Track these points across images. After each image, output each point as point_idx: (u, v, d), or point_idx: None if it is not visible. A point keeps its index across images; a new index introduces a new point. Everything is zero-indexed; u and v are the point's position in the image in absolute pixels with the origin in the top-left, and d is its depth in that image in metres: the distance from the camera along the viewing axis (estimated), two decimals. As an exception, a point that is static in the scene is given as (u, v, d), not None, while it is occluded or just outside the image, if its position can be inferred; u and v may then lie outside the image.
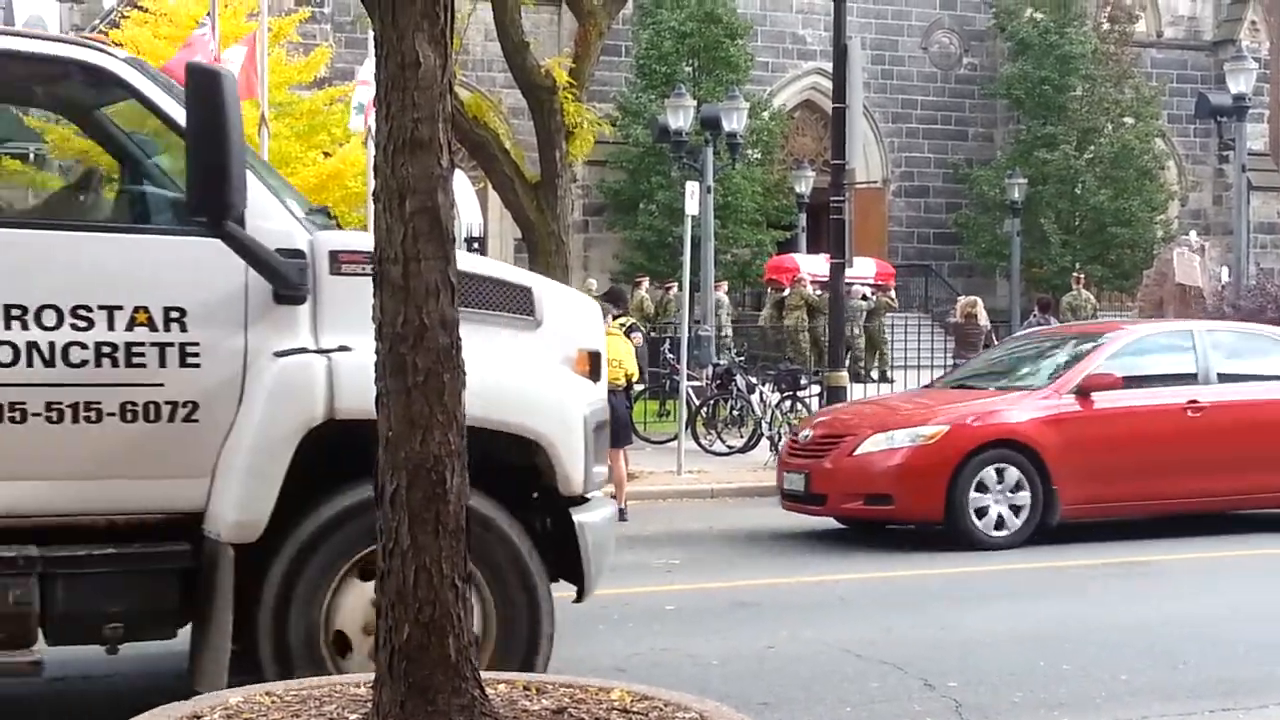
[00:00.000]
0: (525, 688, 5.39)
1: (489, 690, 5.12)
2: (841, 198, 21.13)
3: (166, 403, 6.26)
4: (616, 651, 8.67)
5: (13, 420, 6.11)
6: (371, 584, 5.84)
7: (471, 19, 23.24)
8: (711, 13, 36.32)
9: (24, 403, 6.11)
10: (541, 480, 6.82)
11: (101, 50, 6.67)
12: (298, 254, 6.41)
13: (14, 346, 6.10)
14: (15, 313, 6.11)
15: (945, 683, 7.98)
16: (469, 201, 26.60)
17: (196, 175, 6.06)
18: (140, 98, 6.52)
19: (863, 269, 31.43)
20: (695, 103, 30.15)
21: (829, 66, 25.03)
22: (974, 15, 42.55)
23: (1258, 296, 26.91)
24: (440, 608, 4.94)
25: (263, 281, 6.34)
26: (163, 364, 6.25)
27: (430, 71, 4.97)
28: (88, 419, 6.17)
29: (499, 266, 7.37)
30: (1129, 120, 40.30)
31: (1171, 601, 10.57)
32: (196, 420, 6.30)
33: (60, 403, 6.14)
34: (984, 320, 26.66)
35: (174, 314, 6.27)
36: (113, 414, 6.20)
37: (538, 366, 6.90)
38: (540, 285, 7.16)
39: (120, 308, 6.21)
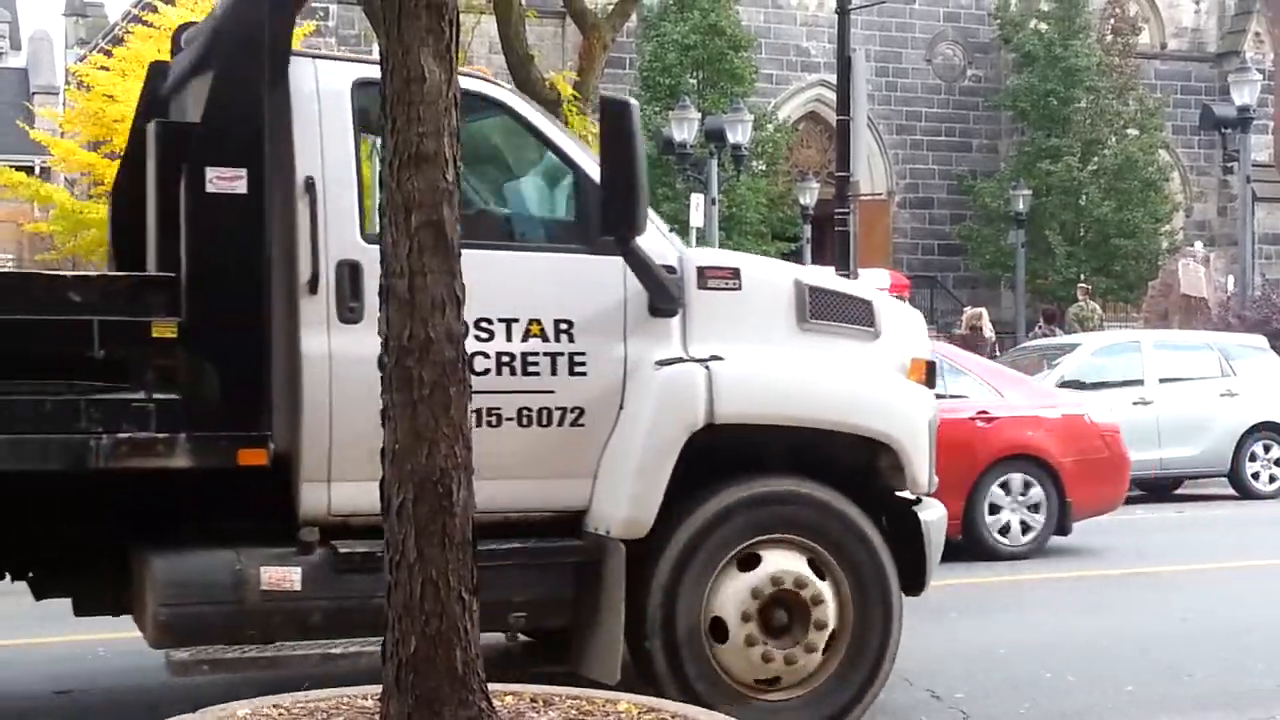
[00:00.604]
0: (532, 700, 5.41)
1: (496, 702, 5.13)
2: (846, 210, 21.21)
3: (557, 408, 6.70)
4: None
5: None
6: (749, 574, 6.78)
7: (476, 31, 23.29)
8: (716, 25, 36.34)
9: None
10: (877, 481, 7.24)
11: (486, 80, 7.28)
12: (671, 270, 6.87)
13: None
14: None
15: (952, 694, 7.99)
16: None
17: (610, 197, 6.54)
18: (525, 124, 7.07)
19: (877, 280, 31.43)
20: (699, 115, 30.21)
21: (833, 78, 25.11)
22: (978, 28, 42.61)
23: (1263, 307, 26.95)
24: (447, 620, 4.96)
25: (640, 295, 6.79)
26: (554, 372, 6.70)
27: (435, 86, 5.00)
28: (490, 424, 6.53)
29: (842, 282, 7.87)
30: (1133, 132, 40.32)
31: (1179, 612, 10.57)
32: (583, 425, 6.74)
33: None
34: (989, 332, 26.65)
35: (563, 326, 6.72)
36: (511, 419, 6.63)
37: (883, 374, 7.32)
38: (878, 299, 7.57)
39: (517, 320, 6.66)
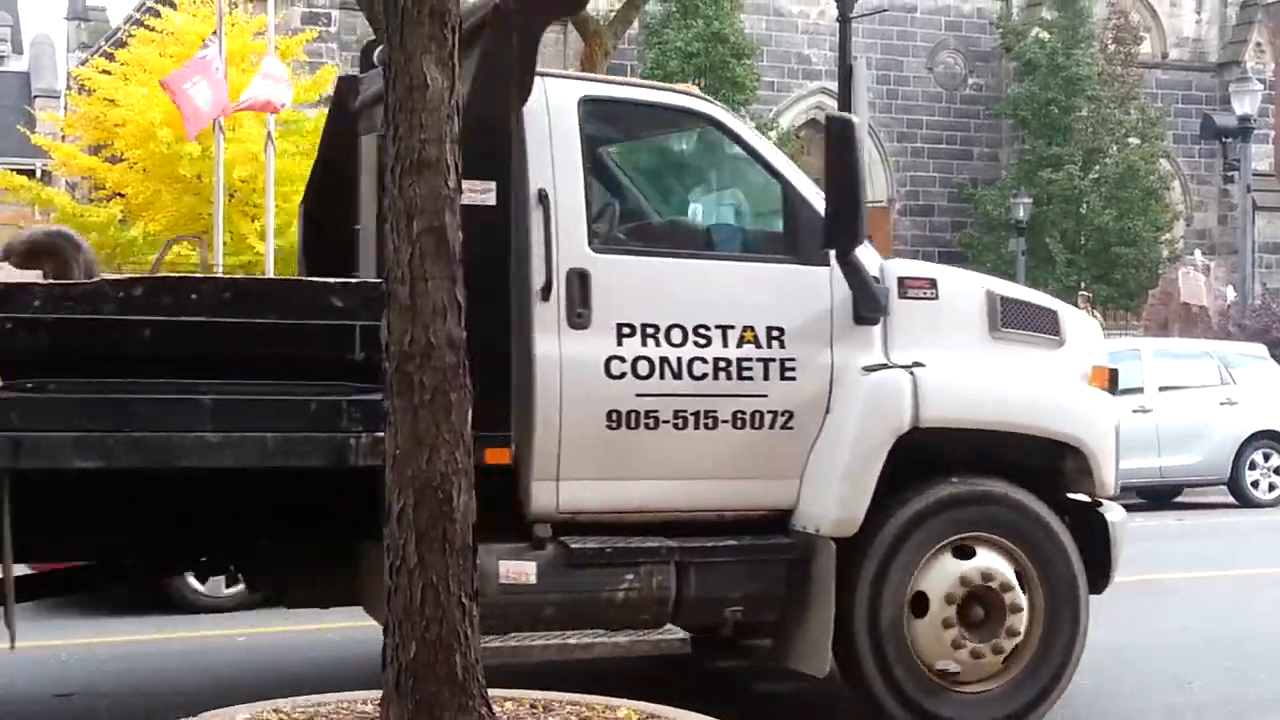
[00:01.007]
0: (532, 705, 5.42)
1: (496, 708, 5.14)
2: (847, 217, 21.20)
3: (769, 412, 7.01)
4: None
5: (647, 426, 6.83)
6: (964, 562, 7.08)
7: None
8: (718, 33, 36.33)
9: (657, 411, 6.85)
10: (1060, 483, 7.54)
11: (700, 97, 7.61)
12: (875, 280, 7.17)
13: (649, 361, 6.83)
14: (649, 331, 6.86)
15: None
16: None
17: (833, 210, 6.90)
18: (735, 138, 7.41)
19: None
20: (701, 122, 30.18)
21: (834, 86, 25.13)
22: (979, 36, 42.64)
23: (1263, 316, 26.97)
24: (447, 625, 4.97)
25: (845, 303, 7.12)
26: (766, 377, 7.00)
27: (438, 93, 5.02)
28: (707, 426, 6.91)
29: (1030, 292, 8.16)
30: (1134, 141, 40.32)
31: (1180, 621, 10.57)
32: (791, 428, 7.05)
33: (685, 411, 6.89)
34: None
35: (775, 333, 7.04)
36: (726, 421, 6.95)
37: (1070, 380, 7.66)
38: (1062, 309, 7.91)
39: (732, 327, 6.98)
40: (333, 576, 7.21)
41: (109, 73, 27.20)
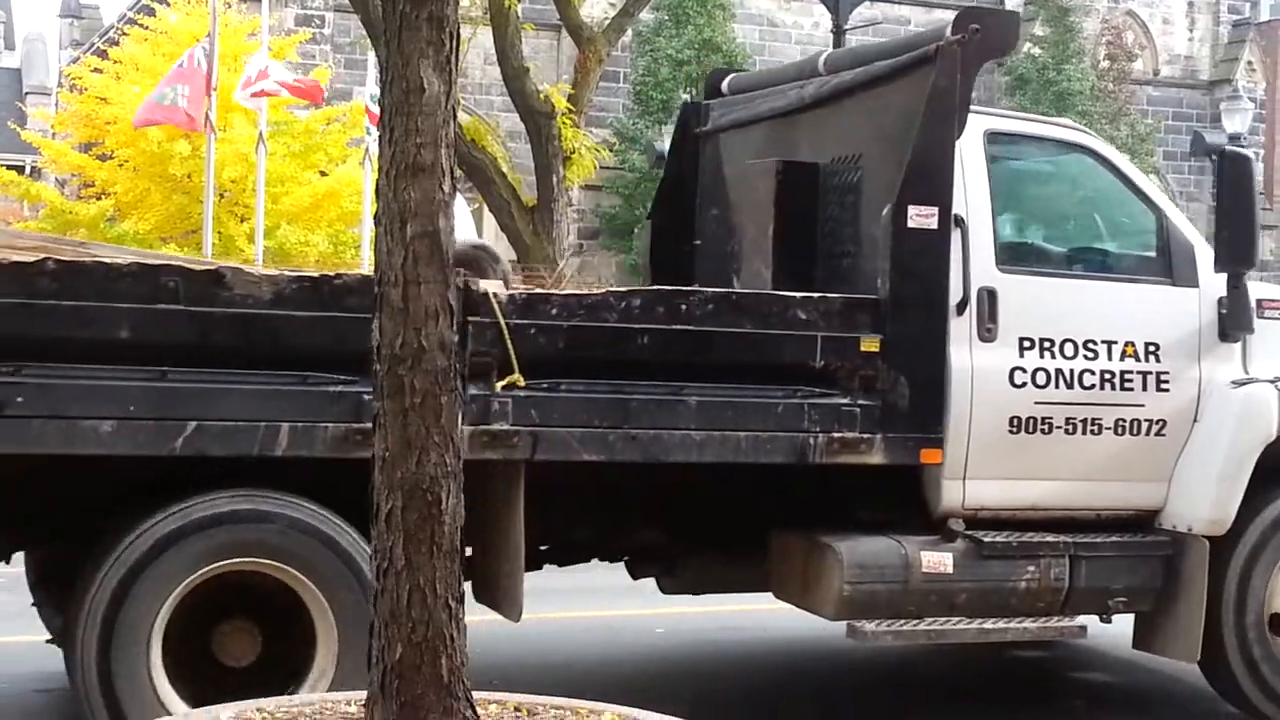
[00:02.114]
0: (516, 708, 5.43)
1: (481, 711, 5.15)
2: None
3: (1145, 420, 7.84)
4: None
5: (1042, 431, 7.60)
6: None
7: (472, 43, 23.31)
8: (710, 40, 36.37)
9: (1051, 417, 7.64)
10: None
11: (1082, 130, 8.55)
12: None
13: (1046, 372, 7.62)
14: (1047, 345, 7.64)
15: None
16: (465, 222, 26.57)
17: (1229, 237, 7.76)
18: (1111, 167, 8.27)
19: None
20: (692, 130, 30.18)
21: (826, 97, 25.07)
22: (971, 49, 42.68)
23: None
24: (433, 627, 4.97)
25: (1211, 322, 7.97)
26: (1144, 388, 7.83)
27: (434, 98, 5.02)
28: (1093, 432, 7.73)
29: None
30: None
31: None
32: (1164, 435, 7.87)
33: (1075, 418, 7.69)
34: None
35: (1151, 348, 7.86)
36: (1109, 428, 7.76)
37: None
38: None
39: (1115, 342, 7.79)
40: (745, 564, 7.92)
41: (100, 70, 27.18)
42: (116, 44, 28.64)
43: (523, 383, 6.67)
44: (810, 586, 7.49)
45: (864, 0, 23.78)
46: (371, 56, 21.95)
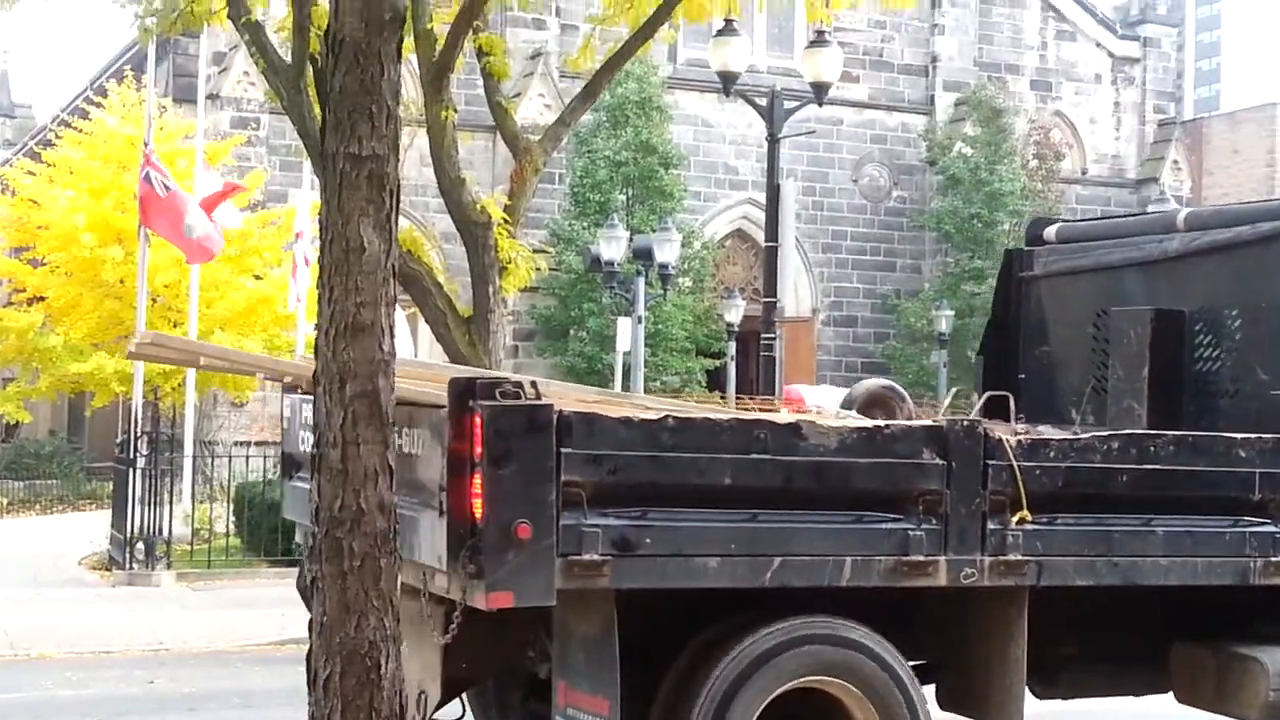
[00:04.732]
0: None
1: None
2: (772, 335, 21.30)
3: None
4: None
5: None
6: None
7: (410, 147, 23.31)
8: (646, 142, 36.60)
9: None
10: None
11: None
12: None
13: None
14: None
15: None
16: (400, 329, 26.52)
17: None
18: None
19: (816, 395, 31.45)
20: (628, 233, 30.30)
21: (761, 196, 25.28)
22: (904, 149, 43.15)
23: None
24: (373, 800, 4.87)
25: None
26: None
27: (374, 256, 4.99)
28: None
29: None
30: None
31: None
32: None
33: None
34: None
35: None
36: None
37: None
38: None
39: None
40: (1138, 670, 8.48)
41: (34, 174, 27.01)
42: (50, 145, 28.48)
43: (1029, 517, 7.32)
44: (1230, 694, 8.05)
45: (797, 109, 23.93)
46: (307, 164, 21.94)
